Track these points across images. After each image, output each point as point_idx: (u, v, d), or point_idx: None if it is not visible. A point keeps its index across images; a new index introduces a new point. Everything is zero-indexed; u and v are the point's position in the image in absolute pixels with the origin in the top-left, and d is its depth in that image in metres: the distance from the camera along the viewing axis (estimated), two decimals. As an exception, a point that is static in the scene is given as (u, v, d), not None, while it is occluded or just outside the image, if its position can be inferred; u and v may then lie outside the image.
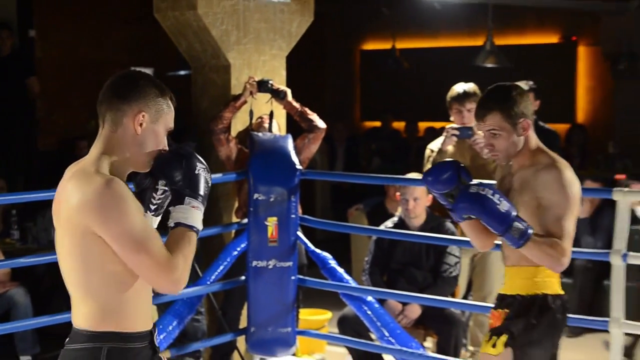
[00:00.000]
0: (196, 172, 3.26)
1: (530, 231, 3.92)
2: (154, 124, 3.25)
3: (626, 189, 5.52)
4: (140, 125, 3.21)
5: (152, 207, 3.36)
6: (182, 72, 10.21)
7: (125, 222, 3.04)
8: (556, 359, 4.32)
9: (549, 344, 4.20)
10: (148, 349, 3.27)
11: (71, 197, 3.08)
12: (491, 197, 3.90)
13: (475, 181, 4.15)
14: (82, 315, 3.20)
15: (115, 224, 3.03)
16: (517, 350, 4.11)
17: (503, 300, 4.26)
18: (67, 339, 3.25)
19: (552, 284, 4.20)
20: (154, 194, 3.35)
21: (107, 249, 3.07)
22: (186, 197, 3.22)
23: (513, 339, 4.10)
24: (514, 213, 3.92)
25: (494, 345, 4.12)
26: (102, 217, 3.02)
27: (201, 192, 3.25)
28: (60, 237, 3.18)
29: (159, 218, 3.41)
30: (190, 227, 3.20)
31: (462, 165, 4.22)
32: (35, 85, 10.62)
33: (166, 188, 3.30)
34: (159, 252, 3.08)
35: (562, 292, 4.24)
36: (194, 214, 3.22)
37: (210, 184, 3.32)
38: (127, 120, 3.21)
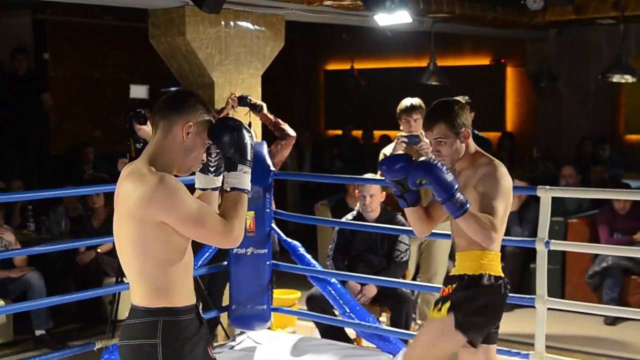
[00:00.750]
0: (245, 141, 3.30)
1: (468, 205, 3.94)
2: (198, 135, 3.29)
3: (548, 186, 5.52)
4: (187, 134, 3.26)
5: (212, 169, 3.42)
6: (173, 89, 10.13)
7: (183, 206, 3.12)
8: (497, 329, 4.32)
9: (490, 315, 4.20)
10: (195, 320, 3.33)
11: (131, 194, 3.15)
12: (440, 166, 3.93)
13: None
14: (138, 294, 3.26)
15: (176, 209, 3.11)
16: (459, 316, 4.10)
17: (452, 279, 4.26)
18: (127, 315, 3.31)
19: (495, 267, 4.21)
20: (210, 158, 3.39)
21: (162, 236, 3.16)
22: (238, 165, 3.29)
23: (455, 305, 4.11)
24: (456, 186, 3.93)
25: (439, 310, 4.14)
26: (165, 206, 3.11)
27: (249, 158, 3.30)
28: (119, 228, 3.25)
29: (221, 177, 3.44)
30: (243, 190, 3.30)
31: (412, 158, 4.18)
32: (48, 100, 10.60)
33: (218, 151, 3.36)
34: (215, 223, 3.18)
35: (502, 275, 4.23)
36: (245, 178, 3.31)
37: (253, 145, 3.35)
38: (176, 129, 3.26)
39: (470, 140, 4.28)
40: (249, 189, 3.33)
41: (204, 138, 3.31)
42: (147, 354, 3.21)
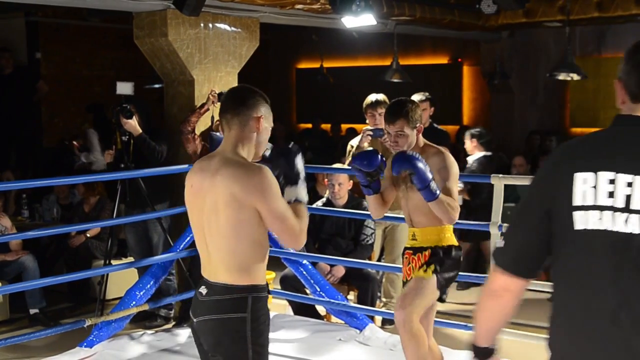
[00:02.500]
0: (298, 163, 3.44)
1: (439, 191, 4.19)
2: (267, 123, 3.45)
3: (501, 175, 5.54)
4: (259, 126, 3.40)
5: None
6: (157, 86, 10.07)
7: (278, 201, 3.25)
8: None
9: (454, 276, 4.59)
10: (267, 296, 3.41)
11: (234, 181, 3.23)
12: (418, 157, 4.17)
13: None
14: (227, 273, 3.30)
15: (273, 202, 3.23)
16: (440, 278, 4.46)
17: (422, 250, 4.50)
18: (206, 291, 3.34)
19: (453, 239, 4.57)
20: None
21: (256, 221, 3.25)
22: (299, 181, 3.43)
23: (438, 270, 4.44)
24: (432, 175, 4.17)
25: (425, 271, 4.45)
26: (264, 195, 3.21)
27: (301, 176, 3.45)
28: (215, 212, 3.28)
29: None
30: (302, 202, 3.40)
31: (380, 153, 4.41)
32: (43, 87, 10.57)
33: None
34: (294, 223, 3.29)
35: (457, 244, 4.58)
36: (303, 192, 3.43)
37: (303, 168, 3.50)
38: (252, 122, 3.38)
39: (420, 134, 4.57)
40: (306, 200, 3.45)
41: (269, 127, 3.48)
42: (235, 327, 3.28)
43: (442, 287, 4.49)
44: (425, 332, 4.50)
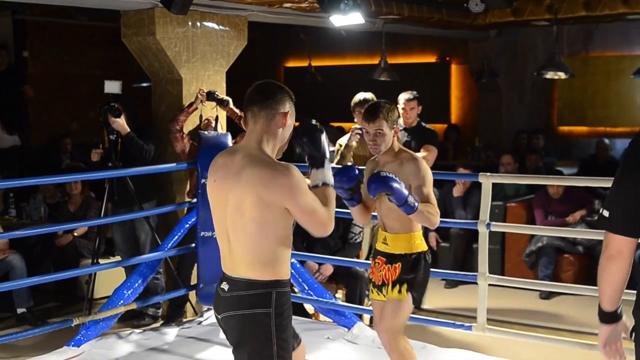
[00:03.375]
0: (324, 143, 3.46)
1: (417, 203, 4.22)
2: (291, 120, 3.44)
3: (489, 173, 5.54)
4: (285, 121, 3.39)
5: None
6: (145, 84, 10.05)
7: (305, 197, 3.25)
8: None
9: (426, 284, 4.63)
10: (289, 291, 3.44)
11: (261, 182, 3.23)
12: (393, 177, 4.17)
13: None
14: (249, 268, 3.32)
15: (301, 200, 3.24)
16: (415, 294, 4.52)
17: (393, 258, 4.54)
18: (228, 287, 3.36)
19: (423, 245, 4.61)
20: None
21: (282, 218, 3.27)
22: (325, 162, 3.44)
23: (410, 285, 4.49)
24: (407, 192, 4.18)
25: (399, 292, 4.50)
26: (292, 194, 3.22)
27: (327, 156, 3.46)
28: (237, 209, 3.29)
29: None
30: (330, 185, 3.43)
31: (358, 168, 4.49)
32: (29, 91, 10.54)
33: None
34: (322, 213, 3.32)
35: (427, 248, 4.64)
36: (329, 173, 3.46)
37: (329, 146, 3.52)
38: (278, 117, 3.37)
39: (396, 138, 4.59)
40: (333, 183, 3.48)
41: (292, 125, 3.47)
42: (260, 322, 3.30)
43: (417, 301, 4.60)
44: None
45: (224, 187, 3.34)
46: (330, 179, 3.45)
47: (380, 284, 4.60)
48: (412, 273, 4.52)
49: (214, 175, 3.40)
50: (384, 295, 4.56)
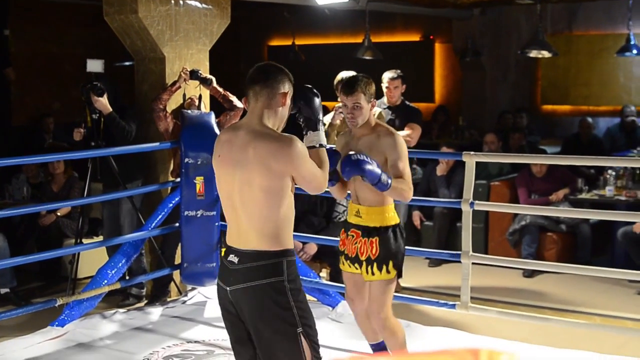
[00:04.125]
0: (317, 105, 3.71)
1: (390, 179, 4.33)
2: (289, 99, 3.58)
3: (472, 152, 5.55)
4: (285, 100, 3.54)
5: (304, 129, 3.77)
6: (127, 63, 9.99)
7: (308, 164, 3.44)
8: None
9: (404, 253, 4.72)
10: (295, 259, 3.54)
11: (269, 155, 3.37)
12: (366, 159, 4.28)
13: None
14: (258, 240, 3.43)
15: (305, 168, 3.43)
16: (398, 268, 4.64)
17: (369, 231, 4.63)
18: (238, 259, 3.45)
19: (396, 217, 4.70)
20: (299, 121, 3.80)
21: (287, 186, 3.43)
22: (319, 125, 3.67)
23: (396, 262, 4.60)
24: (380, 171, 4.30)
25: (387, 272, 4.59)
26: (298, 163, 3.39)
27: (320, 119, 3.71)
28: (245, 182, 3.41)
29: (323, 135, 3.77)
30: (324, 146, 3.67)
31: (336, 150, 4.57)
32: (11, 74, 10.45)
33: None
34: (319, 175, 3.53)
35: (399, 220, 4.74)
36: (323, 135, 3.69)
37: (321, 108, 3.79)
38: (279, 96, 3.51)
39: (372, 112, 4.68)
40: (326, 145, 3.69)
41: (289, 106, 3.62)
42: (276, 291, 3.40)
43: (400, 273, 4.69)
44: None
45: (230, 161, 3.46)
46: (324, 140, 3.66)
47: (354, 256, 4.68)
48: (392, 247, 4.60)
49: (218, 151, 3.53)
50: (362, 271, 4.65)
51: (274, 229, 3.42)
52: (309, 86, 3.74)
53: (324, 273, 6.91)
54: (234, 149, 3.45)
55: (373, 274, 4.60)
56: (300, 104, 3.70)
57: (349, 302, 4.90)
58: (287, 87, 3.55)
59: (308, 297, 6.54)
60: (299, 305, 3.44)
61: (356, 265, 4.66)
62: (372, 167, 4.25)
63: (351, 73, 6.72)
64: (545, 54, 10.42)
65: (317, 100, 3.70)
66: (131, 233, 6.54)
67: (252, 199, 3.41)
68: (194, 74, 6.73)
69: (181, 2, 6.95)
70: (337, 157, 4.42)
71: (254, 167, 3.38)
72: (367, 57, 10.99)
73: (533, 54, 10.53)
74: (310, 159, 3.48)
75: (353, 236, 4.68)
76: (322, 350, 3.66)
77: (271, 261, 3.41)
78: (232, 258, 3.46)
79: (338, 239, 6.61)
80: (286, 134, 3.46)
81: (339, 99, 6.73)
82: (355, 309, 4.88)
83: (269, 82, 3.51)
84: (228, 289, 3.47)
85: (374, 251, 4.60)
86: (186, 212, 6.34)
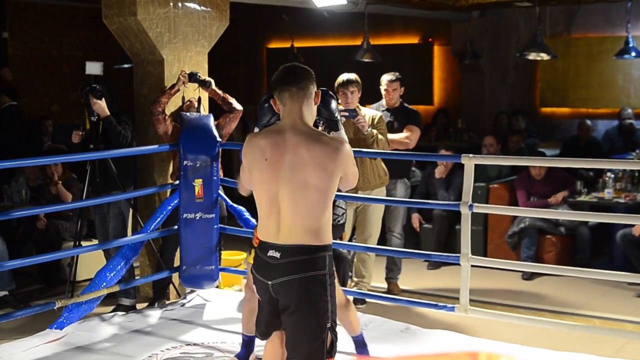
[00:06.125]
0: (334, 108, 3.97)
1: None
2: (317, 98, 3.77)
3: (471, 155, 5.55)
4: (318, 99, 3.76)
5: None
6: (126, 65, 10.00)
7: (354, 165, 3.74)
8: None
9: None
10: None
11: (327, 157, 3.58)
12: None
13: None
14: (305, 235, 3.60)
15: (353, 167, 3.73)
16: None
17: None
18: (280, 254, 3.60)
19: None
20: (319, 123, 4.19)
21: (336, 186, 3.65)
22: (339, 124, 3.93)
23: None
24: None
25: None
26: (348, 163, 3.66)
27: (339, 119, 3.99)
28: (297, 183, 3.58)
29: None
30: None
31: None
32: (8, 74, 10.44)
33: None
34: (356, 173, 3.80)
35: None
36: (343, 133, 3.94)
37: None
38: (313, 96, 3.73)
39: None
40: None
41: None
42: (319, 283, 3.61)
43: None
44: None
45: (280, 163, 3.61)
46: (346, 139, 3.86)
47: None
48: None
49: (264, 155, 3.66)
50: None
51: (320, 226, 3.62)
52: (325, 89, 3.88)
53: (323, 276, 6.91)
54: (283, 153, 3.61)
55: None
56: (319, 107, 3.82)
57: (249, 294, 4.95)
58: (316, 87, 3.76)
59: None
60: (333, 301, 3.66)
61: None
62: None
63: (352, 75, 6.77)
64: (544, 56, 10.43)
65: (334, 102, 3.88)
66: (117, 238, 6.51)
67: (305, 198, 3.57)
68: (192, 77, 6.73)
69: (180, 4, 6.96)
70: None
71: (310, 168, 3.57)
72: (366, 60, 11.00)
73: (532, 56, 10.54)
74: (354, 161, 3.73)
75: None
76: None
77: (316, 255, 3.61)
78: (273, 253, 3.62)
79: (337, 241, 6.65)
80: (336, 137, 3.71)
81: (339, 101, 6.77)
82: (253, 300, 4.76)
83: (303, 83, 3.68)
84: (270, 282, 3.64)
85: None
86: (185, 215, 6.35)
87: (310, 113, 3.71)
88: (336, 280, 3.85)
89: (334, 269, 3.71)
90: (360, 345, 5.05)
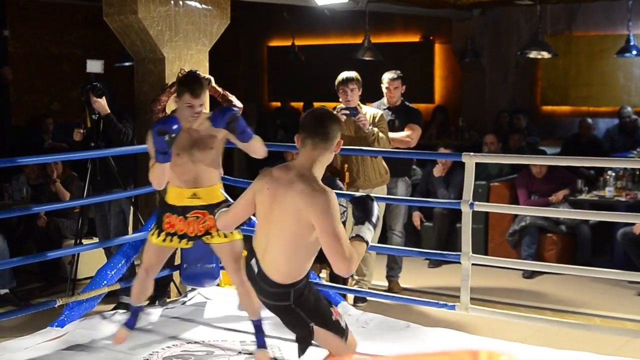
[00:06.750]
0: (373, 209, 3.79)
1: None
2: (338, 147, 3.86)
3: (472, 153, 5.54)
4: (339, 147, 3.86)
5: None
6: (127, 64, 10.01)
7: (335, 222, 3.58)
8: None
9: None
10: (307, 281, 3.87)
11: (301, 197, 3.63)
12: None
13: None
14: (275, 272, 3.75)
15: (330, 221, 3.57)
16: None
17: (214, 208, 4.86)
18: (256, 270, 3.80)
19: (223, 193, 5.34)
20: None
21: (313, 234, 3.63)
22: (366, 222, 3.75)
23: None
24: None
25: (225, 236, 5.17)
26: (324, 215, 3.58)
27: (374, 221, 3.78)
28: (280, 219, 3.69)
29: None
30: (364, 240, 3.70)
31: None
32: (8, 73, 10.44)
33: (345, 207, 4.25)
34: (347, 247, 3.58)
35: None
36: (368, 233, 3.74)
37: (380, 216, 4.03)
38: (335, 146, 3.82)
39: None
40: (370, 243, 3.75)
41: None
42: (286, 310, 3.83)
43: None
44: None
45: (275, 197, 3.74)
46: (367, 237, 3.72)
47: (200, 234, 5.18)
48: None
49: (267, 184, 3.81)
50: (215, 238, 5.17)
51: (293, 269, 3.74)
52: (366, 196, 3.90)
53: (323, 274, 6.92)
54: (279, 187, 3.73)
55: (226, 237, 5.16)
56: (356, 211, 3.81)
57: (144, 275, 5.24)
58: (339, 136, 3.82)
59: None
60: (307, 308, 3.80)
61: (191, 242, 5.23)
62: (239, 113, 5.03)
63: (353, 73, 6.77)
64: (545, 54, 10.43)
65: (374, 206, 3.81)
66: (118, 236, 6.52)
67: (283, 238, 3.70)
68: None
69: (181, 2, 6.96)
70: (179, 123, 4.79)
71: (289, 209, 3.67)
72: (367, 58, 11.00)
73: (533, 54, 10.54)
74: (339, 220, 3.61)
75: (199, 217, 5.14)
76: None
77: (280, 290, 3.76)
78: (254, 266, 3.82)
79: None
80: (324, 185, 3.67)
81: (340, 99, 6.78)
82: (147, 281, 5.27)
83: (328, 136, 3.77)
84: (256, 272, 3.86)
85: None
86: (186, 213, 6.34)
87: (327, 160, 3.83)
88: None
89: (305, 292, 3.82)
90: (258, 330, 5.20)
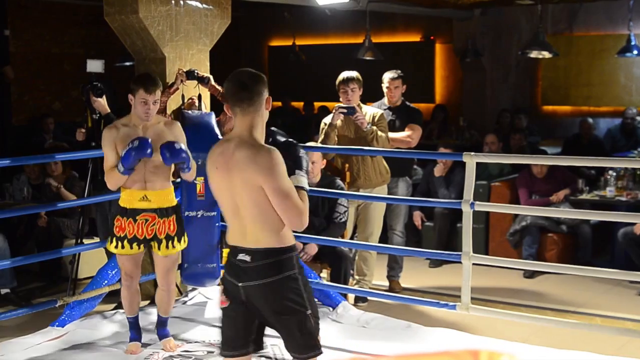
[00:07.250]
0: (300, 154, 3.79)
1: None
2: (268, 104, 3.78)
3: (473, 153, 5.54)
4: (269, 104, 3.78)
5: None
6: (127, 63, 10.01)
7: (284, 179, 3.57)
8: None
9: None
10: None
11: (246, 163, 3.59)
12: (182, 147, 5.19)
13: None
14: (267, 238, 3.65)
15: (278, 180, 3.55)
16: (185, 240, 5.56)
17: (166, 212, 5.33)
18: (250, 258, 3.66)
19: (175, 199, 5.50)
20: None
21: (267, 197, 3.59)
22: (296, 170, 3.72)
23: (184, 234, 5.52)
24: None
25: (182, 243, 5.45)
26: (271, 174, 3.55)
27: (305, 167, 3.77)
28: (243, 188, 3.61)
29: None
30: (303, 188, 3.69)
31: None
32: (10, 72, 10.44)
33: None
34: (297, 200, 3.58)
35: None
36: (304, 180, 3.72)
37: (308, 159, 3.95)
38: (264, 104, 3.75)
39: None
40: (307, 188, 3.74)
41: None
42: (292, 284, 3.69)
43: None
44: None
45: (226, 171, 3.66)
46: (306, 185, 3.72)
47: (150, 237, 5.27)
48: (183, 222, 5.47)
49: (215, 163, 3.72)
50: (157, 247, 5.32)
51: (277, 228, 3.64)
52: (293, 142, 3.92)
53: (324, 274, 6.92)
54: (227, 161, 3.66)
55: (174, 247, 5.34)
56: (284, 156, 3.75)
57: (128, 280, 5.42)
58: (266, 92, 3.74)
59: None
60: (309, 297, 3.71)
61: (142, 245, 5.29)
62: (187, 154, 5.11)
63: (353, 73, 6.78)
64: (546, 54, 10.43)
65: (302, 153, 3.82)
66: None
67: (253, 203, 3.62)
68: (190, 74, 6.72)
69: (182, 2, 6.96)
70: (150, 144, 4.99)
71: (240, 175, 3.61)
72: (368, 58, 11.00)
73: (533, 54, 10.54)
74: (287, 177, 3.59)
75: (147, 220, 5.26)
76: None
77: (283, 257, 3.66)
78: (244, 257, 3.67)
79: (338, 239, 6.66)
80: (267, 145, 3.64)
81: (340, 99, 6.78)
82: (132, 286, 5.45)
83: (254, 98, 3.68)
84: (240, 284, 3.69)
85: (172, 228, 5.32)
86: (187, 213, 6.34)
87: (261, 120, 3.73)
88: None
89: (301, 267, 3.79)
90: (163, 324, 5.59)
